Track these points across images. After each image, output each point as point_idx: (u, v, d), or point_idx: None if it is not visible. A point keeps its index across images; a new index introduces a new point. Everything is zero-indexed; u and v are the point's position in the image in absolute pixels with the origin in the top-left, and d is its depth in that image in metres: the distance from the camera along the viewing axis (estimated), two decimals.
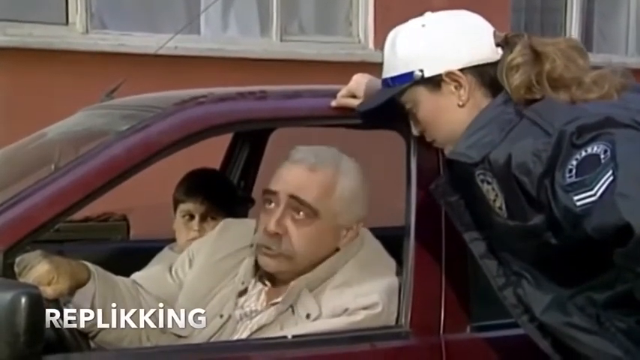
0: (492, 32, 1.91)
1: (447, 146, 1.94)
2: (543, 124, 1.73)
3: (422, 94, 1.91)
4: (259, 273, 2.19)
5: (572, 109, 1.75)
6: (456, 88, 1.88)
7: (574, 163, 1.64)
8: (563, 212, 1.65)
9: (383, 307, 2.05)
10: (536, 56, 1.83)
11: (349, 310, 2.04)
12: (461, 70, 1.87)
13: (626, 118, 1.70)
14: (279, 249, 2.10)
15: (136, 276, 2.28)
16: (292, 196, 2.10)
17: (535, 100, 1.81)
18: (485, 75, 1.88)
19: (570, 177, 1.63)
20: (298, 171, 2.12)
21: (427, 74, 1.88)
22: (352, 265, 2.14)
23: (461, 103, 1.88)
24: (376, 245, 2.22)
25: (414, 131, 1.98)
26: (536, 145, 1.70)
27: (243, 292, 2.17)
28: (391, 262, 2.19)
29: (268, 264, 2.13)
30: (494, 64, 1.87)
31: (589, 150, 1.63)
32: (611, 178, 1.58)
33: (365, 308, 2.04)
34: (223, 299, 2.17)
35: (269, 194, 2.14)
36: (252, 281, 2.19)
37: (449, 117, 1.90)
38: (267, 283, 2.18)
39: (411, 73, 1.89)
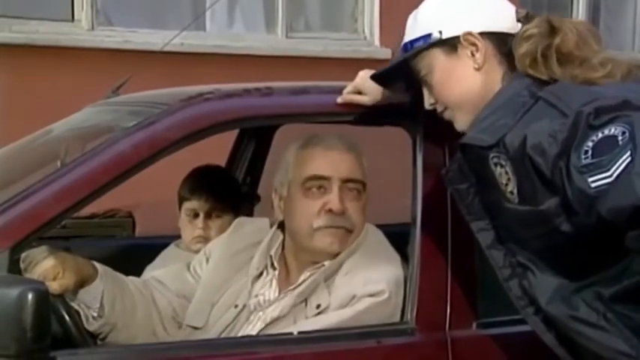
0: (515, 8, 1.93)
1: (457, 118, 1.93)
2: (560, 105, 1.72)
3: (438, 57, 1.92)
4: (271, 260, 2.22)
5: (589, 91, 1.74)
6: (472, 53, 1.89)
7: (590, 144, 1.62)
8: (577, 194, 1.63)
9: (390, 294, 2.07)
10: (551, 30, 1.84)
11: (357, 297, 2.06)
12: (480, 34, 1.88)
13: None
14: (348, 224, 2.17)
15: (155, 273, 2.32)
16: (346, 179, 2.17)
17: (543, 82, 1.81)
18: (503, 44, 1.89)
19: (586, 158, 1.62)
20: (340, 155, 2.19)
21: (445, 35, 1.90)
22: (358, 256, 2.17)
23: (476, 67, 1.89)
24: (381, 238, 2.24)
25: (426, 103, 1.98)
26: (553, 126, 1.69)
27: (257, 278, 2.20)
28: (395, 255, 2.21)
29: (332, 243, 2.16)
30: (513, 36, 1.88)
31: (606, 132, 1.62)
32: (629, 159, 1.57)
33: (372, 295, 2.05)
34: (238, 290, 2.20)
35: (319, 180, 2.17)
36: (264, 271, 2.22)
37: (463, 81, 1.91)
38: (278, 272, 2.21)
39: (429, 35, 1.91)
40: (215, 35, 5.12)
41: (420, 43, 1.93)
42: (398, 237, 2.22)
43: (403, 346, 2.06)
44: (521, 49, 1.84)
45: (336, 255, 2.16)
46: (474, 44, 1.89)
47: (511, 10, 1.93)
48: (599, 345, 1.77)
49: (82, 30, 4.73)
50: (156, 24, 4.90)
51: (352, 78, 2.16)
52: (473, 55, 1.89)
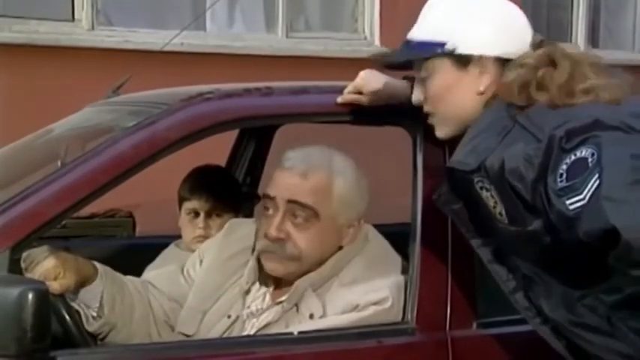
0: (531, 33, 1.90)
1: (439, 127, 1.93)
2: (533, 129, 1.73)
3: (446, 67, 1.87)
4: (262, 275, 2.18)
5: (562, 113, 1.74)
6: (480, 73, 1.86)
7: (564, 167, 1.63)
8: (557, 216, 1.64)
9: (393, 301, 2.05)
10: (548, 63, 1.81)
11: (360, 307, 2.04)
12: (493, 58, 1.85)
13: (615, 120, 1.68)
14: (283, 253, 2.09)
15: (149, 276, 2.31)
16: (290, 201, 2.09)
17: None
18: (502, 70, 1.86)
19: (561, 181, 1.63)
20: (292, 178, 2.11)
21: (460, 51, 1.85)
22: (358, 262, 2.14)
23: (481, 89, 1.86)
24: (381, 241, 2.22)
25: (414, 98, 1.95)
26: (527, 151, 1.70)
27: (248, 292, 2.17)
28: (397, 258, 2.19)
29: (275, 268, 2.12)
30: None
31: (578, 154, 1.63)
32: (598, 182, 1.57)
33: (375, 303, 2.04)
34: (231, 299, 2.17)
35: (267, 199, 2.14)
36: (257, 283, 2.18)
37: (461, 98, 1.88)
38: (270, 285, 2.17)
39: (441, 44, 1.86)
40: (215, 35, 5.12)
41: (428, 48, 1.87)
42: (398, 237, 2.22)
43: (403, 346, 2.06)
44: (509, 77, 1.81)
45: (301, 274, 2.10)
46: (484, 66, 1.86)
47: (528, 36, 1.89)
48: (604, 349, 1.77)
49: (82, 30, 4.73)
50: (156, 24, 4.90)
51: (352, 78, 2.16)
52: (481, 74, 1.85)
